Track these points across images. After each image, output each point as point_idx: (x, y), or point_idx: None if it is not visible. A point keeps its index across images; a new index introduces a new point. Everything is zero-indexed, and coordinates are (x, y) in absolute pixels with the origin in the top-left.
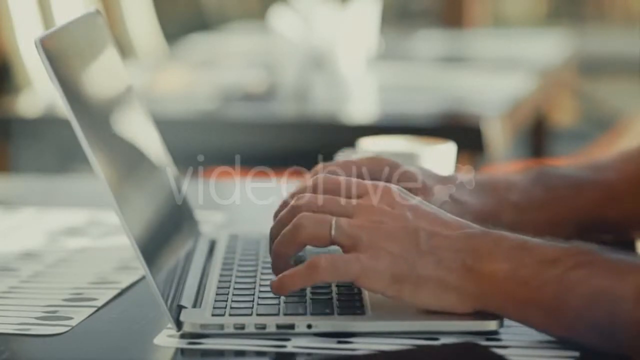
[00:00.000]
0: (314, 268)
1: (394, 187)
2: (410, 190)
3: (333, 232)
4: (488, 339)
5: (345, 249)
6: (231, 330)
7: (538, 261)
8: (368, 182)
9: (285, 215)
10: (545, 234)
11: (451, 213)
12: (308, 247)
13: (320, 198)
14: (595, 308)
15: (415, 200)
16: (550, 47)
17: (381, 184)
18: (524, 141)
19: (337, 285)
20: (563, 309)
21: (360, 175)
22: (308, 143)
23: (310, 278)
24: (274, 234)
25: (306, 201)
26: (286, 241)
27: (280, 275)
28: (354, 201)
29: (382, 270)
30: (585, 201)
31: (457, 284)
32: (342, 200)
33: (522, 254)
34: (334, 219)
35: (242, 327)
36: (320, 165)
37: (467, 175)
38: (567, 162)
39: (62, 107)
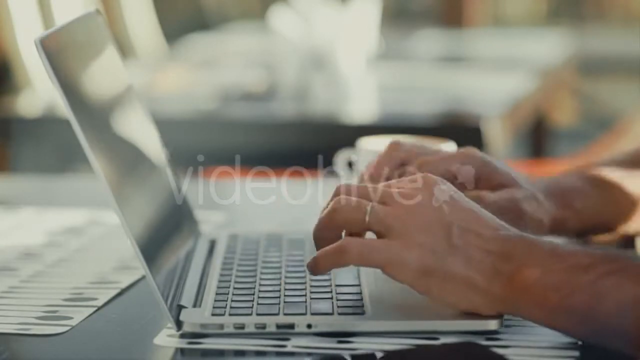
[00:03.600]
0: (343, 251)
1: (437, 178)
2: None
3: (367, 217)
4: (488, 339)
5: (379, 236)
6: (231, 330)
7: (569, 267)
8: (412, 175)
9: (330, 200)
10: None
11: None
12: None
13: (362, 186)
14: (627, 316)
15: (457, 194)
16: (550, 47)
17: (423, 175)
18: (524, 141)
19: (337, 285)
20: (594, 316)
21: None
22: (308, 143)
23: (339, 260)
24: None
25: (349, 186)
26: (323, 225)
27: (315, 255)
28: (394, 189)
29: (411, 262)
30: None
31: (485, 286)
32: (384, 188)
33: (553, 260)
34: (369, 205)
35: (242, 326)
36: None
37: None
38: (567, 162)
39: (62, 107)
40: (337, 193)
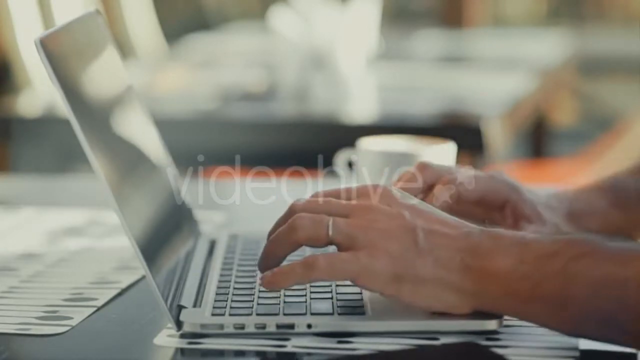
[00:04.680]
0: (311, 267)
1: (393, 188)
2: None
3: (330, 231)
4: (488, 339)
5: (343, 249)
6: (231, 330)
7: (538, 256)
8: (368, 185)
9: (282, 217)
10: None
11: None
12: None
13: (318, 200)
14: (600, 296)
15: (414, 200)
16: (550, 47)
17: (381, 185)
18: (524, 141)
19: (337, 285)
20: (567, 302)
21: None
22: (308, 143)
23: (307, 276)
24: (269, 235)
25: (303, 203)
26: (281, 241)
27: (274, 271)
28: (351, 202)
29: (381, 270)
30: None
31: (457, 283)
32: (339, 202)
33: (521, 249)
34: (330, 219)
35: (242, 327)
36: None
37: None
38: (567, 162)
39: (62, 107)
40: (292, 211)
